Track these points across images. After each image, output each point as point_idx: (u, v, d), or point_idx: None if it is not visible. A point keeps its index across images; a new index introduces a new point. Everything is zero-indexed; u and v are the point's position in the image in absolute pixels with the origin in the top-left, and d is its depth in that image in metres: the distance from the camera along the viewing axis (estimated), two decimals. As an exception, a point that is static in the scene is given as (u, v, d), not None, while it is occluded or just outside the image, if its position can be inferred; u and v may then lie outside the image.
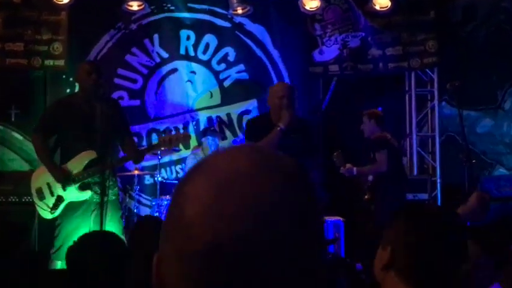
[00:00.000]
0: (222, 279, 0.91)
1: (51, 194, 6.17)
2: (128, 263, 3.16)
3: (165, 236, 0.98)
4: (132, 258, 3.17)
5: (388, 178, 7.82)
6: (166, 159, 9.26)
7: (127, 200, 8.96)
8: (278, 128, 6.01)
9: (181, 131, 6.87)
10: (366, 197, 8.03)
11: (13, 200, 7.95)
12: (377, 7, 9.09)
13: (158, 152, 8.38)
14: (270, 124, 6.17)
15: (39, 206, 6.24)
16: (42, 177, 6.22)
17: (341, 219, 8.52)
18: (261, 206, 0.92)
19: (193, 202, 0.94)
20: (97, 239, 3.35)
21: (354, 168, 7.88)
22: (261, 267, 0.91)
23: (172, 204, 0.99)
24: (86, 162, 6.14)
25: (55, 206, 6.14)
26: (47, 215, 6.23)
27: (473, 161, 6.86)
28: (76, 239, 3.62)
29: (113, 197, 6.23)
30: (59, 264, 5.96)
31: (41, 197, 6.21)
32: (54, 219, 6.23)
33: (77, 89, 6.79)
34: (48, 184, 6.17)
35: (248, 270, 0.90)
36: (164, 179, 8.86)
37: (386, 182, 7.81)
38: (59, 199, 6.15)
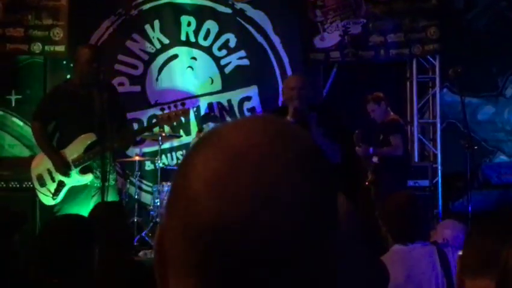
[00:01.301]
0: (226, 263, 0.85)
1: (52, 179, 6.16)
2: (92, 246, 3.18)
3: (169, 207, 0.91)
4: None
5: (397, 163, 7.81)
6: (167, 145, 9.24)
7: (128, 186, 8.96)
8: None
9: (180, 107, 6.83)
10: (369, 178, 8.01)
11: (14, 185, 7.95)
12: (379, -7, 9.06)
13: (159, 138, 8.36)
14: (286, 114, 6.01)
15: (41, 192, 6.23)
16: (42, 164, 6.21)
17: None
18: (277, 186, 0.85)
19: (201, 174, 0.87)
20: (64, 224, 3.35)
21: (371, 148, 7.86)
22: (268, 253, 0.84)
23: (179, 174, 0.92)
24: (86, 145, 6.12)
25: (57, 192, 6.14)
26: (49, 201, 6.23)
27: (475, 147, 6.85)
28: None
29: (113, 182, 6.23)
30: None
31: (42, 184, 6.20)
32: (54, 206, 6.23)
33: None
34: (48, 170, 6.17)
35: (253, 256, 0.84)
36: (165, 165, 8.84)
37: (393, 166, 7.80)
38: (61, 184, 6.15)
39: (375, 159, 7.91)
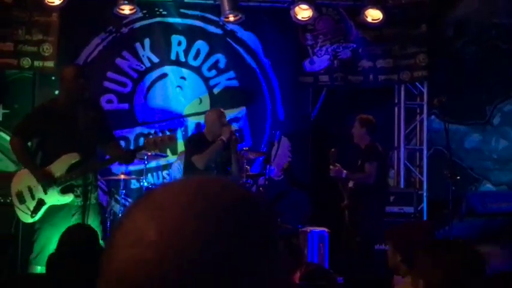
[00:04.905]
0: None
1: (32, 197, 6.10)
2: None
3: (106, 271, 0.94)
4: None
5: (372, 190, 7.81)
6: (153, 164, 9.23)
7: (113, 203, 8.93)
8: (220, 141, 7.39)
9: (167, 133, 6.94)
10: (344, 203, 8.01)
11: (-2, 200, 7.89)
12: (369, 19, 9.08)
13: (145, 157, 8.34)
14: (206, 141, 7.54)
15: (20, 209, 6.17)
16: (23, 181, 6.15)
17: (326, 230, 8.51)
18: (212, 248, 0.89)
19: (143, 239, 0.90)
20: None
21: (344, 172, 7.85)
22: None
23: (114, 239, 0.95)
24: (69, 164, 6.08)
25: (36, 210, 6.08)
26: (27, 218, 6.16)
27: (458, 177, 6.85)
28: (54, 244, 3.59)
29: (94, 201, 6.19)
30: (39, 269, 5.90)
31: (22, 201, 6.14)
32: (34, 223, 6.18)
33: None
34: (29, 187, 6.11)
35: None
36: (151, 184, 8.83)
37: (369, 193, 7.80)
38: (40, 202, 6.08)
39: (351, 184, 7.91)
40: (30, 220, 6.15)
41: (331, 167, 7.89)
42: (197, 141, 7.74)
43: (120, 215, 1.04)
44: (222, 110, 7.96)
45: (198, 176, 1.00)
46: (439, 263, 2.44)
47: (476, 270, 2.52)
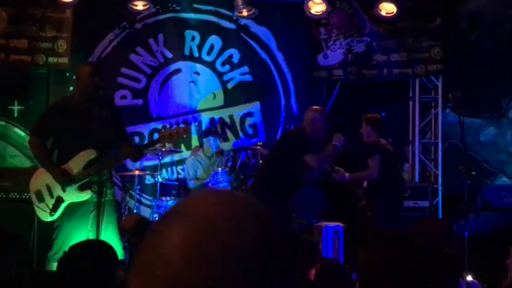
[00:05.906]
0: None
1: (51, 195, 6.14)
2: (118, 272, 3.13)
3: (138, 273, 0.99)
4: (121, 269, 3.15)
5: (382, 184, 7.77)
6: (167, 159, 9.25)
7: (127, 199, 8.95)
8: (334, 147, 7.20)
9: (182, 125, 6.90)
10: (361, 203, 7.99)
11: (14, 196, 7.94)
12: (383, 13, 9.05)
13: (159, 153, 8.36)
14: (309, 139, 7.19)
15: (39, 207, 6.20)
16: (41, 179, 6.19)
17: (341, 224, 8.49)
18: (236, 251, 0.96)
19: (171, 243, 0.96)
20: (88, 249, 3.32)
21: (346, 174, 7.84)
22: None
23: (147, 243, 0.99)
24: (86, 161, 6.12)
25: (55, 208, 6.12)
26: (46, 217, 6.20)
27: (473, 172, 6.82)
28: (74, 240, 3.61)
29: (111, 197, 6.23)
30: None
31: (41, 199, 6.18)
32: (53, 221, 6.21)
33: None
34: (47, 185, 6.14)
35: None
36: (165, 180, 8.85)
37: (380, 188, 7.77)
38: (59, 200, 6.12)
39: (364, 183, 7.89)
40: (50, 218, 6.19)
41: (333, 174, 7.88)
42: (301, 139, 7.40)
43: (155, 224, 1.09)
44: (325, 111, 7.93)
45: (226, 190, 1.05)
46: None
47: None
